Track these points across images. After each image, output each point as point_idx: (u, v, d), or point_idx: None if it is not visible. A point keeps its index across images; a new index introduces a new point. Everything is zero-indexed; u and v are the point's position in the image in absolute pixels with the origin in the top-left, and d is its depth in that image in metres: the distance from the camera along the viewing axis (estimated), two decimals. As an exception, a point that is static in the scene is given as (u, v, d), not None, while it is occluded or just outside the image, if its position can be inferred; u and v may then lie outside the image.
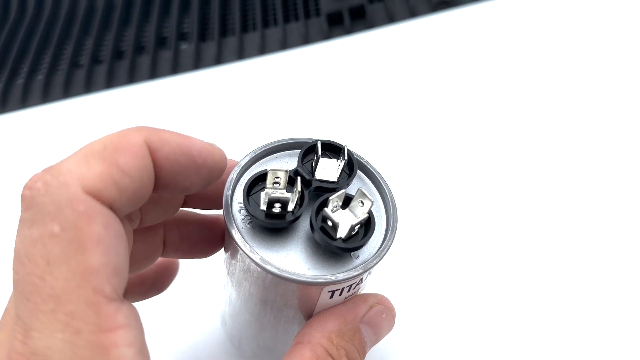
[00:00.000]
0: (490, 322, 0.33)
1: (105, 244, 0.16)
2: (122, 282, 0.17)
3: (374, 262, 0.21)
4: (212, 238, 0.26)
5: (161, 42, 0.56)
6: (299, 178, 0.21)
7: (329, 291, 0.21)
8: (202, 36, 0.56)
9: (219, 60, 0.53)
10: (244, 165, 0.22)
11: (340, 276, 0.20)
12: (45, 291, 0.16)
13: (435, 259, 0.36)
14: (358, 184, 0.23)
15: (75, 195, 0.16)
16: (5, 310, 0.19)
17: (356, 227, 0.20)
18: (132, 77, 0.52)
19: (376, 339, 0.24)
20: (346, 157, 0.22)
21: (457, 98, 0.45)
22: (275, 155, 0.24)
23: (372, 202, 0.20)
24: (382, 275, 0.30)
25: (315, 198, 0.21)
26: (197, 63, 0.53)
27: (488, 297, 0.34)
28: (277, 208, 0.20)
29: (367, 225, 0.21)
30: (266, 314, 0.24)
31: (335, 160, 0.22)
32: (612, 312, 0.33)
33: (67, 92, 0.52)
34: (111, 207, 0.17)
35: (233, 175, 0.22)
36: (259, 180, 0.21)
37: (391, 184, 0.23)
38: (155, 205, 0.22)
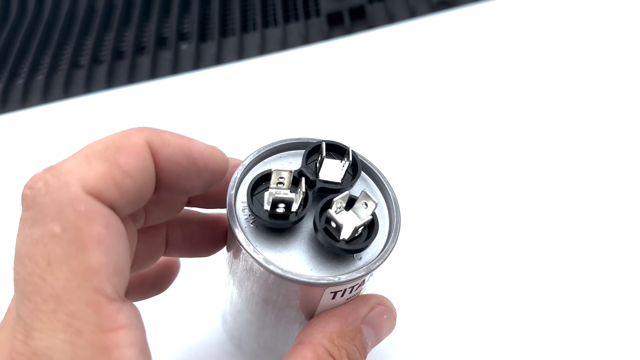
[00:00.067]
0: (491, 324, 0.33)
1: (106, 244, 0.16)
2: (123, 282, 0.17)
3: (377, 264, 0.20)
4: (214, 237, 0.26)
5: (161, 42, 0.56)
6: (303, 179, 0.21)
7: (331, 292, 0.21)
8: (202, 36, 0.56)
9: (219, 60, 0.53)
10: (247, 164, 0.22)
11: (343, 278, 0.20)
12: (46, 291, 0.15)
13: (436, 260, 0.36)
14: (361, 185, 0.23)
15: (76, 195, 0.16)
16: (7, 310, 0.19)
17: (360, 229, 0.20)
18: (132, 77, 0.52)
19: (377, 340, 0.24)
20: (350, 159, 0.22)
21: (457, 98, 0.45)
22: (278, 155, 0.24)
23: (376, 203, 0.20)
24: (383, 277, 0.30)
25: (318, 199, 0.21)
26: (197, 63, 0.53)
27: (489, 299, 0.34)
28: (281, 208, 0.20)
29: (371, 227, 0.21)
30: (267, 314, 0.24)
31: (340, 161, 0.22)
32: (615, 315, 0.33)
33: (67, 92, 0.52)
34: (112, 207, 0.17)
35: (237, 174, 0.22)
36: (263, 180, 0.21)
37: (391, 184, 0.23)
38: (160, 205, 0.22)
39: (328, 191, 0.21)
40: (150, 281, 0.28)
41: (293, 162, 0.23)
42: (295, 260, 0.21)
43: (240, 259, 0.22)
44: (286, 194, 0.20)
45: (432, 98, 0.46)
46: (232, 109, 0.47)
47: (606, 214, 0.37)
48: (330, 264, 0.21)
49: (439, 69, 0.48)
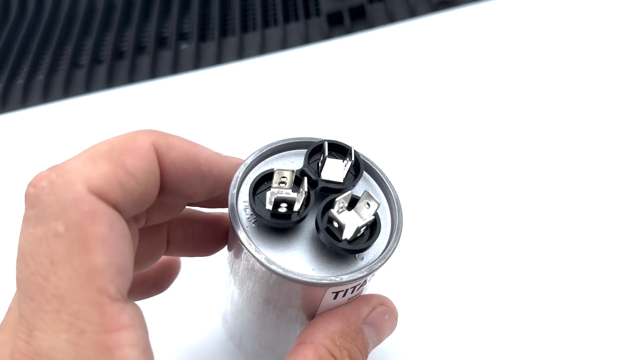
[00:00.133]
0: (492, 324, 0.33)
1: (110, 244, 0.16)
2: (126, 282, 0.17)
3: (379, 264, 0.20)
4: (215, 236, 0.26)
5: (161, 42, 0.56)
6: (305, 178, 0.21)
7: (333, 292, 0.21)
8: (202, 36, 0.56)
9: (219, 60, 0.53)
10: (249, 163, 0.22)
11: (345, 278, 0.20)
12: (49, 291, 0.15)
13: (438, 261, 0.36)
14: (363, 185, 0.23)
15: (80, 194, 0.16)
16: (9, 309, 0.19)
17: (362, 229, 0.20)
18: (132, 77, 0.52)
19: (378, 340, 0.24)
20: (353, 158, 0.22)
21: (457, 98, 0.45)
22: (280, 154, 0.23)
23: (379, 204, 0.20)
24: (384, 277, 0.30)
25: (320, 198, 0.21)
26: (197, 63, 0.53)
27: (490, 300, 0.34)
28: (283, 208, 0.20)
29: (373, 227, 0.21)
30: (269, 313, 0.24)
31: (342, 161, 0.22)
32: (616, 315, 0.33)
33: (67, 92, 0.52)
34: (116, 208, 0.17)
35: (239, 173, 0.22)
36: (265, 179, 0.21)
37: (393, 184, 0.23)
38: (162, 205, 0.22)
39: (330, 191, 0.21)
40: (151, 280, 0.28)
41: (295, 161, 0.23)
42: (297, 260, 0.21)
43: (242, 258, 0.22)
44: (288, 193, 0.20)
45: (432, 98, 0.46)
46: (233, 108, 0.47)
47: (606, 214, 0.37)
48: (332, 264, 0.21)
49: (439, 68, 0.48)
